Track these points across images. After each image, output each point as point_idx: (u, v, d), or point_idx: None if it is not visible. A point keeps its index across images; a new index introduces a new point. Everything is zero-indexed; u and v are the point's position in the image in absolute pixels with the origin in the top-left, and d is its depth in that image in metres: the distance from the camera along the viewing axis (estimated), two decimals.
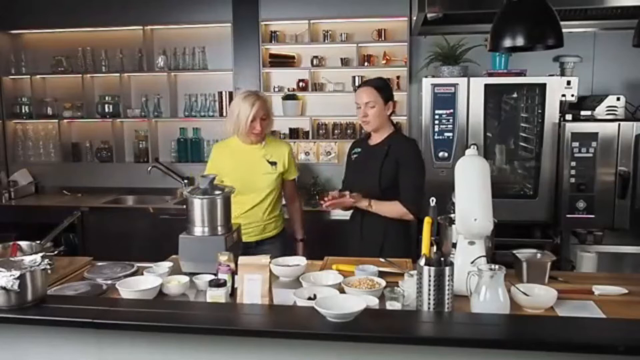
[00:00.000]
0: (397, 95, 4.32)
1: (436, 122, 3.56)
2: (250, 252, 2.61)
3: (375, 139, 2.73)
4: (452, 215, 2.08)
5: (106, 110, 4.67)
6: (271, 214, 2.88)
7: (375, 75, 4.24)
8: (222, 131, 3.07)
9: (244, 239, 2.68)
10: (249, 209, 2.82)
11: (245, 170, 2.81)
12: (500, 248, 2.20)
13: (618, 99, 3.48)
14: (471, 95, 3.54)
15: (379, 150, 2.67)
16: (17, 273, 1.69)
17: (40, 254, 1.83)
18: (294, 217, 3.04)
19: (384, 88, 2.68)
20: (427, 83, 3.57)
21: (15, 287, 1.68)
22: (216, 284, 1.88)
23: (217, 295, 1.86)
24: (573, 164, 3.43)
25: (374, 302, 1.83)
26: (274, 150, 2.88)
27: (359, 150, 2.78)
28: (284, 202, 3.04)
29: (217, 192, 2.37)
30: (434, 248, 1.79)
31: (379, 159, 2.64)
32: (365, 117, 2.65)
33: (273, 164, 2.84)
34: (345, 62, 4.34)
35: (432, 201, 2.00)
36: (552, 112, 3.48)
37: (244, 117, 2.73)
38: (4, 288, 1.68)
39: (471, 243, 1.97)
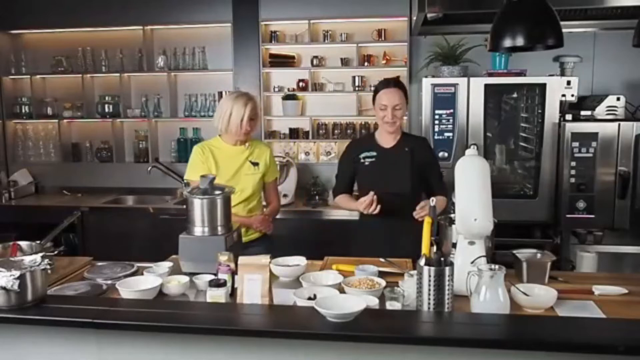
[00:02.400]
0: None
1: (436, 122, 3.56)
2: (247, 251, 2.63)
3: (388, 141, 2.74)
4: (452, 215, 2.08)
5: (106, 110, 4.67)
6: (253, 215, 2.87)
7: (375, 76, 4.32)
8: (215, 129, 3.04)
9: None
10: (236, 204, 2.78)
11: (230, 170, 2.81)
12: (500, 248, 2.20)
13: (618, 99, 3.48)
14: (471, 95, 3.54)
15: (401, 154, 2.71)
16: (17, 273, 1.69)
17: (40, 254, 1.83)
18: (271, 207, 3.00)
19: (405, 90, 2.74)
20: (427, 83, 3.57)
21: (15, 287, 1.68)
22: (216, 284, 1.88)
23: (217, 295, 1.86)
24: (573, 164, 3.43)
25: (374, 302, 1.83)
26: (257, 152, 2.90)
27: (374, 154, 2.73)
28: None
29: (217, 192, 2.37)
30: (434, 248, 1.79)
31: (406, 162, 2.69)
32: (394, 119, 2.66)
33: (255, 164, 2.87)
34: (345, 62, 4.34)
35: (432, 201, 2.00)
36: (552, 112, 3.48)
37: (237, 117, 2.75)
38: (4, 288, 1.68)
39: (471, 243, 1.97)
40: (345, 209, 2.93)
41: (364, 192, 2.69)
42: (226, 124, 2.79)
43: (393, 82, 2.73)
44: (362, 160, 2.75)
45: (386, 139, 2.75)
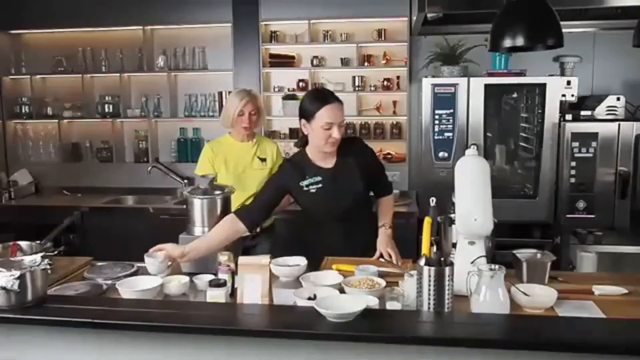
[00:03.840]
0: (397, 95, 4.34)
1: (436, 122, 3.56)
2: (247, 244, 2.74)
3: (329, 161, 2.47)
4: (452, 215, 2.08)
5: (106, 110, 4.67)
6: None
7: (375, 76, 4.33)
8: (222, 129, 3.15)
9: None
10: (243, 201, 2.87)
11: (239, 166, 2.97)
12: (500, 248, 2.20)
13: (618, 99, 3.48)
14: (471, 95, 3.54)
15: (347, 169, 2.47)
16: (17, 273, 1.69)
17: (40, 254, 1.83)
18: None
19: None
20: (427, 83, 3.56)
21: (15, 287, 1.68)
22: (216, 284, 1.88)
23: (217, 295, 1.86)
24: (573, 164, 3.42)
25: (374, 302, 1.83)
26: (264, 148, 3.07)
27: (319, 179, 2.45)
28: None
29: (217, 192, 2.37)
30: (434, 248, 1.79)
31: (354, 175, 2.47)
32: (337, 137, 2.35)
33: (263, 160, 3.04)
34: (345, 62, 4.34)
35: (432, 201, 2.00)
36: (552, 112, 3.48)
37: (232, 110, 2.92)
38: (4, 288, 1.68)
39: (471, 243, 1.97)
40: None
41: (314, 217, 2.56)
42: (225, 118, 2.97)
43: (335, 96, 2.40)
44: (305, 189, 2.45)
45: (325, 159, 2.47)
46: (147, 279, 2.11)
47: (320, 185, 2.45)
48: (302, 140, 2.53)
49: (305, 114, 2.37)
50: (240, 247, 2.46)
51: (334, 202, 2.47)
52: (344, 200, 2.46)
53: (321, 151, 2.42)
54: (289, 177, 2.48)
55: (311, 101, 2.38)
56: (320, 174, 2.46)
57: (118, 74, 4.60)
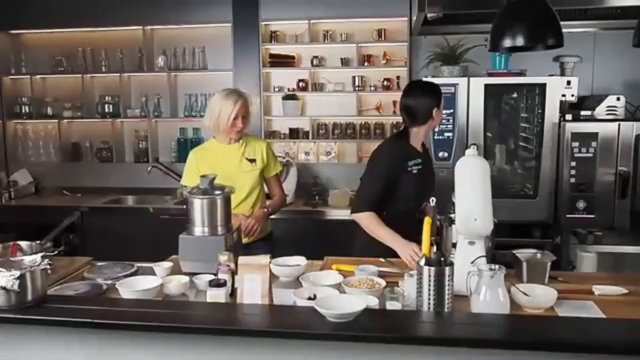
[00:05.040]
0: (397, 95, 4.31)
1: None
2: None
3: (420, 146, 2.71)
4: (452, 215, 2.08)
5: (106, 110, 4.67)
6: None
7: (375, 76, 4.34)
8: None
9: None
10: (236, 205, 2.74)
11: (226, 170, 2.75)
12: (500, 248, 2.20)
13: (618, 99, 3.48)
14: (471, 95, 3.53)
15: (429, 156, 2.84)
16: (17, 273, 1.69)
17: (40, 254, 1.83)
18: (273, 200, 2.99)
19: None
20: None
21: (15, 287, 1.68)
22: (216, 284, 1.88)
23: (217, 295, 1.86)
24: (573, 164, 3.42)
25: (374, 302, 1.83)
26: (252, 148, 2.88)
27: (419, 160, 2.64)
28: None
29: (217, 192, 2.37)
30: (434, 248, 1.79)
31: (432, 164, 2.85)
32: None
33: (252, 161, 2.85)
34: (345, 62, 4.34)
35: (432, 201, 2.00)
36: (552, 112, 3.48)
37: (225, 115, 2.75)
38: (4, 288, 1.68)
39: (471, 243, 1.98)
40: (374, 234, 2.51)
41: (405, 204, 2.58)
42: (215, 122, 2.78)
43: None
44: (409, 169, 2.60)
45: (419, 144, 2.70)
46: (147, 279, 2.11)
47: (420, 166, 2.65)
48: (403, 132, 2.72)
49: (438, 101, 2.64)
50: (240, 248, 2.46)
51: (429, 183, 2.71)
52: (433, 181, 2.76)
53: (421, 135, 2.69)
54: (401, 158, 2.63)
55: (438, 89, 2.67)
56: (419, 157, 2.68)
57: (118, 74, 4.60)
